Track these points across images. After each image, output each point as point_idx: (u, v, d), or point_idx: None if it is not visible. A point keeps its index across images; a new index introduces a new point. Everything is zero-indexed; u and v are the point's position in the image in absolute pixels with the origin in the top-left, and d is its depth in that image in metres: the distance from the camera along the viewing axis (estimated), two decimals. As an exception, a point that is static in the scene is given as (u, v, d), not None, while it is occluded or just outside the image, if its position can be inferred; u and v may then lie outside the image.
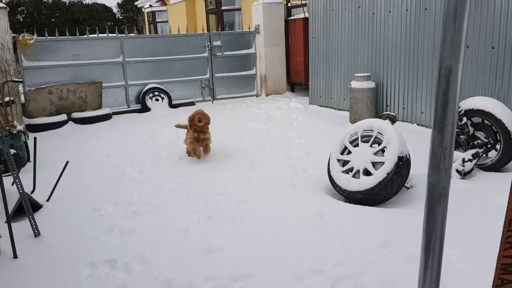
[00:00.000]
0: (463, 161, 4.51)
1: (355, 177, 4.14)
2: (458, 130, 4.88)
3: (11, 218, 3.61)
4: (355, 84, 7.29)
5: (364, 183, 3.98)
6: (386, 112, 4.51)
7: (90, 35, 9.48)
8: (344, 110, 8.24)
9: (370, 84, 7.21)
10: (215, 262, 3.15)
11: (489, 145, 4.70)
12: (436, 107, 0.90)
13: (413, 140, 5.68)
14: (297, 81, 10.96)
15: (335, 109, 8.65)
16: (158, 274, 3.02)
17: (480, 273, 2.81)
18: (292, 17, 10.72)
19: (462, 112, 4.79)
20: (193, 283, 2.89)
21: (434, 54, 6.42)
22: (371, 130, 4.23)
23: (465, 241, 3.21)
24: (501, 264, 1.06)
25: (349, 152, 4.34)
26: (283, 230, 3.57)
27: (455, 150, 4.93)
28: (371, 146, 4.20)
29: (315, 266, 3.01)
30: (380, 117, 4.59)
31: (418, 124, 6.79)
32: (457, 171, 4.47)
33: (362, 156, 4.17)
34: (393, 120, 4.43)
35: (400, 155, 3.91)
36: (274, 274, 2.95)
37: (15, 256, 3.37)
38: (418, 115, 6.79)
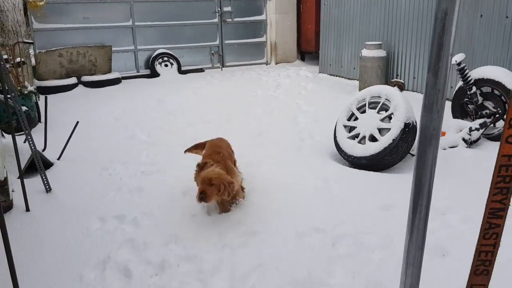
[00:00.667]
0: (470, 130, 4.51)
1: (360, 143, 4.17)
2: (467, 99, 4.86)
3: (23, 174, 3.72)
4: (365, 52, 7.22)
5: (369, 149, 4.02)
6: (395, 79, 4.50)
7: (100, -2, 9.42)
8: (354, 80, 8.20)
9: (381, 53, 7.13)
10: (219, 219, 3.24)
11: (497, 115, 4.68)
12: (431, 50, 0.92)
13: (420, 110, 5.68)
14: (307, 49, 10.86)
15: (345, 78, 8.60)
16: (165, 228, 3.12)
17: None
18: (304, -16, 10.54)
19: (472, 81, 4.75)
20: (198, 238, 2.98)
21: (447, 23, 6.31)
22: (379, 97, 4.23)
23: (467, 206, 3.26)
24: (490, 208, 1.10)
25: (356, 118, 4.35)
26: (288, 193, 3.64)
27: (463, 119, 4.93)
28: (378, 112, 4.21)
29: (317, 225, 3.08)
30: (389, 85, 4.57)
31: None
32: (464, 139, 4.48)
33: (368, 122, 4.19)
34: (401, 87, 4.42)
35: (407, 122, 3.92)
36: (277, 232, 3.03)
37: (27, 210, 3.49)
38: (428, 85, 6.74)
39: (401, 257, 2.57)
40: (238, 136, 5.22)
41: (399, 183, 3.73)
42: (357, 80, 7.80)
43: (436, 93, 0.95)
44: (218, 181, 3.06)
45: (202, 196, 3.02)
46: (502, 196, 1.08)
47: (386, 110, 4.16)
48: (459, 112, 5.03)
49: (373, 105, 4.28)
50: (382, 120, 4.12)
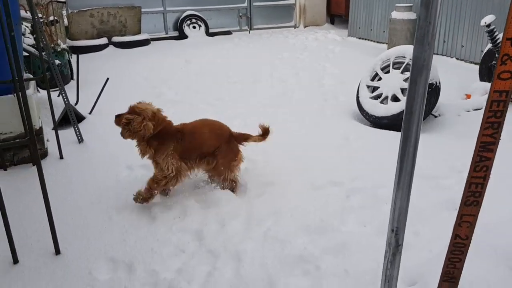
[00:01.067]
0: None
1: (382, 103, 4.20)
2: (495, 62, 4.76)
3: (57, 126, 3.95)
4: (395, 14, 7.08)
5: (391, 109, 4.04)
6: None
7: (130, -42, 9.46)
8: (383, 43, 8.07)
9: (411, 15, 6.98)
10: (241, 170, 3.38)
11: (526, 79, 4.59)
12: None
13: (449, 73, 5.61)
14: (337, 12, 10.68)
15: (374, 41, 8.47)
16: (187, 180, 3.28)
17: (494, 193, 2.90)
18: None
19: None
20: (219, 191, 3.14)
21: (482, -16, 6.11)
22: (404, 57, 4.21)
23: (484, 166, 3.29)
24: (481, 142, 1.18)
25: (380, 79, 4.36)
26: (308, 148, 3.75)
27: (490, 82, 4.86)
28: (402, 73, 4.20)
29: (334, 179, 3.19)
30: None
31: (457, 59, 6.62)
32: (489, 103, 4.43)
33: (392, 82, 4.19)
34: (427, 48, 4.37)
35: (430, 82, 3.91)
36: (295, 184, 3.16)
37: (61, 157, 3.73)
38: (458, 49, 6.59)
39: (413, 210, 2.66)
40: (262, 96, 5.32)
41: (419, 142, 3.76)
42: (386, 43, 7.69)
43: (427, 25, 1.01)
44: (144, 111, 2.80)
45: (117, 120, 2.86)
46: (493, 130, 1.15)
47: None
48: (487, 75, 4.95)
49: (397, 65, 4.27)
50: (406, 80, 4.12)
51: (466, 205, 1.24)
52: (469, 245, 1.32)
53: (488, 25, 4.63)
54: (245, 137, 3.11)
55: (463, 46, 6.52)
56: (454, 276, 1.35)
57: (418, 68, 1.05)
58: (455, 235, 1.29)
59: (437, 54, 6.49)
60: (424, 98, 1.09)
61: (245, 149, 3.74)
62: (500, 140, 1.18)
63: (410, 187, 1.21)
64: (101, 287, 2.21)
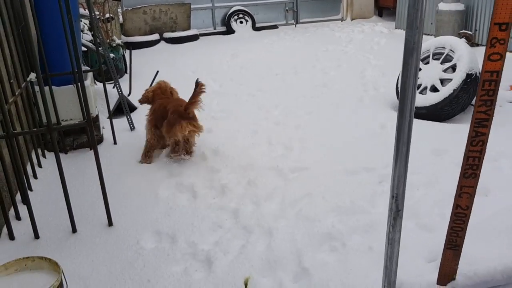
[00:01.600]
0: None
1: (422, 94, 4.24)
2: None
3: (112, 115, 4.30)
4: (442, 6, 6.98)
5: (429, 99, 4.08)
6: (463, 31, 4.43)
7: (180, -43, 9.83)
8: (430, 35, 7.94)
9: (459, 6, 6.85)
10: (277, 157, 3.58)
11: None
12: None
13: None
14: (385, 4, 10.56)
15: (421, 33, 8.35)
16: (227, 162, 3.53)
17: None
18: None
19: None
20: (256, 170, 3.36)
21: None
22: (443, 48, 4.23)
23: (519, 155, 3.29)
24: (476, 118, 1.29)
25: (419, 70, 4.39)
26: (343, 136, 3.87)
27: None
28: (441, 63, 4.22)
29: (368, 165, 3.31)
30: (457, 36, 4.52)
31: (509, 51, 6.43)
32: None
33: (431, 73, 4.22)
34: (469, 39, 4.36)
35: (469, 72, 3.92)
36: (328, 169, 3.31)
37: (115, 143, 4.07)
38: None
39: (442, 195, 2.75)
40: (303, 87, 5.48)
41: (455, 132, 3.80)
42: (433, 35, 7.57)
43: (415, 12, 1.15)
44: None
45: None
46: (486, 107, 1.27)
47: (450, 61, 4.15)
48: (535, 65, 4.82)
49: (437, 56, 4.28)
50: (445, 70, 4.14)
51: (465, 177, 1.36)
52: (469, 215, 1.44)
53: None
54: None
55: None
56: (457, 244, 1.48)
57: (409, 50, 1.19)
58: (456, 205, 1.42)
59: (482, 45, 6.34)
60: (416, 77, 1.23)
61: (284, 137, 3.93)
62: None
63: (407, 157, 1.35)
64: (147, 255, 2.48)
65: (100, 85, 5.17)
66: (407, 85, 1.22)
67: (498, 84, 1.27)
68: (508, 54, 5.41)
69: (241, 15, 10.04)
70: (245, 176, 3.28)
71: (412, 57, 1.19)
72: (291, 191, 3.05)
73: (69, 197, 2.64)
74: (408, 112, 1.25)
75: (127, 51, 6.52)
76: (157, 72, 5.30)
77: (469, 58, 3.96)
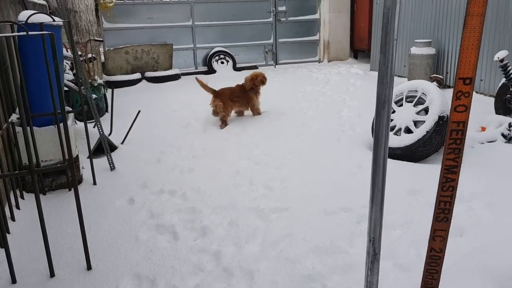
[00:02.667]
0: (510, 125, 4.56)
1: (396, 135, 4.38)
2: (509, 96, 4.90)
3: (92, 154, 4.30)
4: (414, 50, 7.31)
5: (404, 140, 4.22)
6: (434, 75, 4.64)
7: (163, 0, 10.11)
8: (404, 77, 8.27)
9: (430, 50, 7.19)
10: (258, 197, 3.62)
11: (540, 112, 4.70)
12: (382, 36, 1.22)
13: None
14: (360, 47, 10.98)
15: (396, 75, 8.68)
16: (209, 201, 3.55)
17: (497, 220, 3.04)
18: (358, -17, 10.68)
19: (515, 78, 4.79)
20: (237, 209, 3.39)
21: (498, 20, 6.29)
22: (416, 91, 4.42)
23: (492, 194, 3.41)
24: (445, 165, 1.38)
25: (393, 111, 4.56)
26: (322, 176, 3.95)
27: (506, 116, 4.98)
28: (414, 106, 4.39)
29: (346, 205, 3.37)
30: (428, 80, 4.73)
31: (476, 92, 6.73)
32: (503, 135, 4.54)
33: (405, 115, 4.39)
34: (440, 82, 4.56)
35: (441, 115, 4.09)
36: (308, 209, 3.36)
37: (94, 183, 4.06)
38: (477, 83, 6.72)
39: (418, 235, 2.82)
40: (282, 127, 5.59)
41: (429, 172, 3.92)
42: (407, 77, 7.88)
43: (385, 68, 1.24)
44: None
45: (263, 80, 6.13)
46: (454, 155, 1.36)
47: (422, 104, 4.34)
48: (502, 108, 5.07)
49: (410, 98, 4.47)
50: (418, 113, 4.31)
51: (438, 221, 1.43)
52: (443, 258, 1.51)
53: (502, 60, 4.80)
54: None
55: (482, 80, 6.65)
56: (433, 286, 1.53)
57: (381, 103, 1.28)
58: (430, 248, 1.48)
59: (452, 87, 6.63)
60: (388, 126, 1.32)
61: (265, 176, 4.00)
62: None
63: (382, 201, 1.42)
64: (126, 299, 2.45)
65: (80, 124, 5.19)
66: (380, 135, 1.30)
67: (465, 133, 1.37)
68: (479, 96, 5.70)
69: (222, 56, 10.28)
70: (226, 217, 3.30)
71: (384, 110, 1.28)
72: (272, 232, 3.08)
73: (47, 240, 2.61)
74: (381, 158, 1.33)
75: (109, 90, 6.58)
76: (139, 111, 5.37)
77: (440, 101, 4.15)
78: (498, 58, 4.77)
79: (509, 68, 4.81)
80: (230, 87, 6.13)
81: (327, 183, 3.82)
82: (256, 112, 6.16)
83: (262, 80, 6.06)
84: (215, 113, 5.91)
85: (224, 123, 5.84)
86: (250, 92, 6.03)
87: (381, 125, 1.29)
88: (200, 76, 9.75)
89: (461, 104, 1.30)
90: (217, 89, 5.99)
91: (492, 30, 6.41)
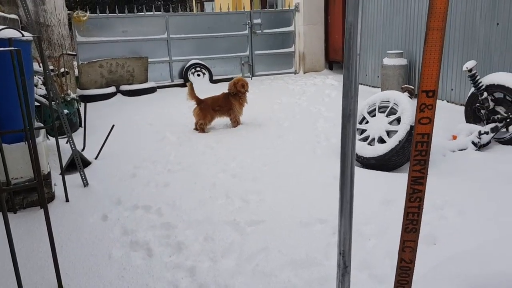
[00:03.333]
0: (479, 133, 4.68)
1: (370, 145, 4.44)
2: (478, 104, 5.03)
3: (64, 171, 4.22)
4: (387, 61, 7.45)
5: (377, 150, 4.28)
6: (405, 86, 4.74)
7: (137, 13, 10.08)
8: (377, 87, 8.42)
9: (402, 61, 7.35)
10: (234, 210, 3.60)
11: (508, 120, 4.83)
12: (345, 52, 1.24)
13: (438, 115, 5.86)
14: (335, 59, 11.13)
15: (369, 86, 8.83)
16: (184, 217, 3.51)
17: (469, 227, 3.09)
18: (332, -5, 10.86)
19: (483, 87, 4.92)
20: (213, 223, 3.36)
21: (466, 31, 6.48)
22: (388, 101, 4.49)
23: (465, 202, 3.47)
24: (412, 176, 1.40)
25: (367, 122, 4.62)
26: (298, 188, 3.97)
27: (476, 124, 5.10)
28: (387, 116, 4.46)
29: (321, 216, 3.38)
30: (400, 90, 4.82)
31: (447, 101, 6.90)
32: (473, 143, 4.65)
33: (378, 125, 4.45)
34: (411, 93, 4.66)
35: (413, 124, 4.16)
36: (284, 221, 3.36)
37: (67, 200, 3.97)
38: (448, 92, 6.89)
39: (393, 245, 2.85)
40: (258, 139, 5.60)
41: (402, 181, 3.95)
42: (380, 88, 8.02)
43: (349, 83, 1.26)
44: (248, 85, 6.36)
45: (244, 84, 6.24)
46: (420, 166, 1.38)
47: (395, 114, 4.41)
48: (472, 117, 5.20)
49: (382, 109, 4.54)
50: (390, 123, 4.38)
51: (406, 232, 1.44)
52: (413, 268, 1.52)
53: (470, 70, 4.92)
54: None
55: (452, 89, 6.81)
56: (404, 296, 1.54)
57: (346, 116, 1.30)
58: (400, 259, 1.49)
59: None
60: (354, 139, 1.33)
61: (241, 189, 3.99)
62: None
63: (351, 214, 1.43)
64: (99, 319, 2.39)
65: (52, 139, 5.08)
66: (346, 148, 1.31)
67: (430, 145, 1.39)
68: (449, 105, 5.82)
69: (198, 68, 10.28)
70: (202, 232, 3.27)
71: (349, 123, 1.29)
72: (248, 246, 3.06)
73: (16, 259, 2.53)
74: (349, 171, 1.34)
75: (82, 105, 6.48)
76: (113, 126, 5.30)
77: (412, 111, 4.22)
78: (467, 68, 4.90)
79: (477, 78, 4.94)
80: (214, 96, 6.36)
81: (302, 194, 3.83)
82: (234, 122, 6.30)
83: (243, 84, 6.20)
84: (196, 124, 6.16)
85: (201, 130, 6.08)
86: (234, 100, 6.20)
87: (347, 138, 1.30)
88: (176, 89, 9.78)
89: (425, 117, 1.32)
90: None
91: (460, 41, 6.59)
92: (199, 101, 6.14)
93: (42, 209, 3.75)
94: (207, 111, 6.10)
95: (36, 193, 3.83)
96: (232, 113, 6.22)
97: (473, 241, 2.92)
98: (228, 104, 6.21)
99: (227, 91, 6.30)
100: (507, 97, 4.86)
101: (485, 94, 4.93)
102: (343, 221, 1.42)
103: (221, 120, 6.63)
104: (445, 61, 6.90)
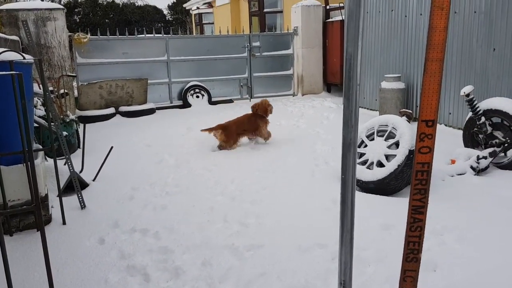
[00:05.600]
0: (478, 158, 4.69)
1: (369, 168, 4.44)
2: (476, 129, 5.06)
3: (61, 193, 4.19)
4: (385, 84, 7.52)
5: (376, 174, 4.28)
6: (403, 110, 4.77)
7: (138, 35, 10.19)
8: (375, 110, 8.46)
9: (400, 85, 7.41)
10: (232, 234, 3.57)
11: (506, 144, 4.85)
12: (345, 82, 1.25)
13: (437, 139, 5.89)
14: (333, 81, 11.22)
15: (367, 109, 8.88)
16: (182, 241, 3.48)
17: (470, 254, 3.07)
18: (330, 19, 11.02)
19: (481, 112, 4.96)
20: (212, 249, 3.33)
21: (463, 56, 6.56)
22: (386, 125, 4.51)
23: (464, 227, 3.46)
24: (412, 206, 1.39)
25: (366, 146, 4.63)
26: (297, 211, 3.95)
27: (474, 148, 5.11)
28: (385, 140, 4.48)
29: (320, 241, 3.36)
30: (398, 114, 4.85)
31: (445, 125, 6.93)
32: (472, 167, 4.66)
33: (376, 149, 4.46)
34: (409, 117, 4.68)
35: (411, 149, 4.17)
36: (283, 246, 3.33)
37: (64, 223, 3.94)
38: (446, 116, 6.93)
39: (393, 271, 2.82)
40: (256, 161, 5.60)
41: (401, 205, 3.94)
42: (378, 111, 8.06)
43: (350, 112, 1.27)
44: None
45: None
46: (421, 196, 1.38)
47: (393, 138, 4.42)
48: (470, 141, 5.22)
49: (381, 133, 4.56)
50: (389, 147, 4.39)
51: (407, 261, 1.43)
52: (415, 298, 1.50)
53: (468, 95, 4.97)
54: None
55: (450, 113, 6.86)
56: (406, 327, 1.52)
57: (346, 145, 1.30)
58: (401, 289, 1.47)
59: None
60: (354, 168, 1.33)
61: (240, 213, 3.97)
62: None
63: (352, 243, 1.42)
64: None
65: (51, 161, 5.07)
66: (347, 177, 1.31)
67: (430, 174, 1.39)
68: (448, 129, 5.84)
69: (197, 90, 10.34)
70: (200, 256, 3.23)
71: (349, 152, 1.30)
72: (246, 271, 3.02)
73: (11, 284, 2.49)
74: (349, 200, 1.34)
75: (81, 126, 6.49)
76: (111, 147, 5.30)
77: (410, 135, 4.24)
78: (464, 92, 4.94)
79: (474, 103, 4.98)
80: (237, 119, 6.57)
81: (301, 218, 3.81)
82: (266, 138, 6.56)
83: (271, 109, 6.58)
84: (220, 146, 6.36)
85: (223, 148, 6.37)
86: (260, 121, 6.45)
87: (347, 167, 1.30)
88: (175, 111, 9.83)
89: (425, 146, 1.33)
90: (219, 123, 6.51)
91: (458, 65, 6.67)
92: (223, 128, 6.32)
93: (39, 232, 3.72)
94: (231, 136, 6.29)
95: (33, 215, 3.80)
96: (260, 133, 6.47)
97: (473, 268, 2.90)
98: (255, 125, 6.43)
99: (251, 112, 6.61)
100: (505, 122, 4.89)
101: (483, 118, 4.96)
102: (344, 250, 1.41)
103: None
104: (443, 85, 6.93)
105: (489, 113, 4.93)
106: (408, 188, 4.41)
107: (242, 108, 9.74)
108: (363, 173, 4.39)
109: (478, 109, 4.97)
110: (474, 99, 4.99)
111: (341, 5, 10.48)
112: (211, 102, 10.39)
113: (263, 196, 4.41)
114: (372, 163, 4.44)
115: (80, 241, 3.58)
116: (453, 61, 6.73)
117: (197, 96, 10.35)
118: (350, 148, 1.30)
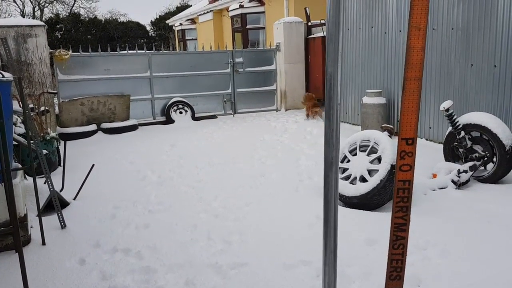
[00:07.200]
0: (459, 172, 4.76)
1: (352, 183, 4.46)
2: (456, 143, 5.14)
3: (41, 212, 4.11)
4: (366, 99, 7.61)
5: (360, 189, 4.30)
6: (385, 125, 4.83)
7: (120, 51, 10.15)
8: (358, 125, 8.55)
9: (381, 100, 7.51)
10: (216, 252, 3.53)
11: (485, 158, 4.93)
12: (326, 102, 1.26)
13: (418, 153, 5.95)
14: (316, 96, 11.30)
15: (349, 123, 8.96)
16: (165, 260, 3.42)
17: (453, 268, 3.09)
18: (312, 36, 11.16)
19: (461, 126, 5.04)
20: (195, 267, 3.28)
21: (442, 71, 6.69)
22: (368, 141, 4.55)
23: (446, 242, 3.49)
24: (394, 223, 1.40)
25: (348, 161, 4.66)
26: (281, 228, 3.93)
27: (455, 162, 5.19)
28: (368, 155, 4.51)
29: (304, 258, 3.34)
30: (379, 129, 4.90)
31: (426, 139, 7.03)
32: (453, 181, 4.72)
33: (359, 164, 4.49)
34: (391, 132, 4.73)
35: (393, 163, 4.21)
36: (267, 263, 3.30)
37: (43, 244, 3.84)
38: (427, 130, 7.03)
39: (377, 287, 2.81)
40: (241, 177, 5.58)
41: (385, 220, 3.97)
42: (360, 125, 8.15)
43: (331, 132, 1.28)
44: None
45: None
46: (403, 213, 1.38)
47: (375, 153, 4.46)
48: (451, 155, 5.29)
49: (363, 148, 4.59)
50: (371, 162, 4.42)
51: (391, 280, 1.43)
52: (399, 316, 1.49)
53: (447, 110, 5.06)
54: None
55: (430, 128, 6.96)
56: None
57: (328, 164, 1.31)
58: (385, 307, 1.47)
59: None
60: (337, 187, 1.33)
61: (223, 230, 3.93)
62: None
63: (335, 263, 1.41)
64: None
65: (30, 179, 4.97)
66: (329, 197, 1.31)
67: (411, 191, 1.40)
68: (428, 143, 5.92)
69: (180, 106, 10.31)
70: (182, 276, 3.18)
71: (331, 171, 1.30)
72: (230, 290, 2.99)
73: (-13, 310, 2.42)
74: (332, 220, 1.33)
75: (62, 143, 6.39)
76: (93, 165, 5.22)
77: (392, 150, 4.28)
78: (444, 107, 5.03)
79: (454, 117, 5.07)
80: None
81: (285, 235, 3.79)
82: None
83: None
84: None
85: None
86: None
87: (329, 187, 1.30)
88: (158, 127, 9.77)
89: (406, 164, 1.34)
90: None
91: (437, 80, 6.80)
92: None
93: (17, 253, 3.63)
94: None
95: (11, 236, 3.70)
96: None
97: (457, 282, 2.91)
98: None
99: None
100: (484, 136, 4.98)
101: (463, 133, 5.04)
102: (328, 270, 1.40)
103: (203, 158, 6.61)
104: (423, 99, 7.07)
105: (469, 127, 5.02)
106: (391, 203, 4.44)
107: (225, 124, 9.75)
108: (346, 188, 4.41)
109: (457, 124, 5.05)
110: (453, 113, 5.08)
111: (323, 21, 10.63)
112: (194, 118, 10.37)
113: (247, 212, 4.38)
114: (355, 178, 4.47)
115: (60, 262, 3.49)
116: (432, 76, 6.86)
117: (181, 112, 10.32)
118: (332, 167, 1.30)
